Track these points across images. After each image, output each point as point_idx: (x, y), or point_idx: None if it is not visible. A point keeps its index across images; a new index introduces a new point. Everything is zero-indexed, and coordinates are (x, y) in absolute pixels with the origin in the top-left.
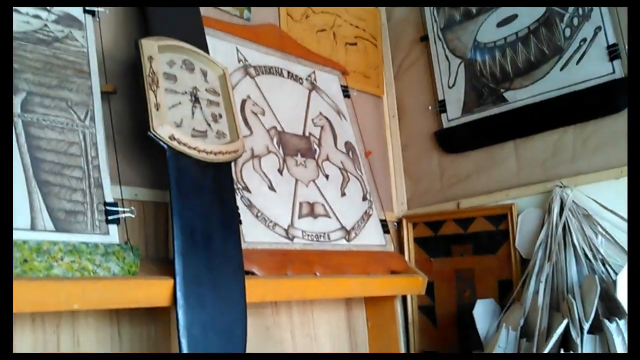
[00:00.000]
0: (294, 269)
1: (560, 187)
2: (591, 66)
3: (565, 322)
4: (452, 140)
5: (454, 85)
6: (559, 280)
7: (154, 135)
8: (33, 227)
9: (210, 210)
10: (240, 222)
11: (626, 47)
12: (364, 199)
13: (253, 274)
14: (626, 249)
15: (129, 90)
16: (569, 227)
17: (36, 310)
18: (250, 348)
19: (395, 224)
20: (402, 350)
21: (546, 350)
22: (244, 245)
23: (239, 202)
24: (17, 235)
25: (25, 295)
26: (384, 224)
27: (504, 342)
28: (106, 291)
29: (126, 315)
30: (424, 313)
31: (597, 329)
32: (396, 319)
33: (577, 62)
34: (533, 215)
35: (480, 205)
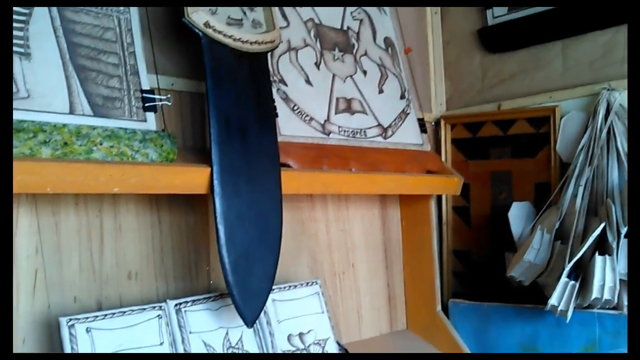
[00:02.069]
0: (330, 164)
1: (608, 89)
2: None
3: (602, 225)
4: (496, 39)
5: None
6: (598, 185)
7: (189, 21)
8: (72, 111)
9: (246, 101)
10: (276, 115)
11: None
12: (402, 97)
13: (289, 166)
14: None
15: None
16: (613, 131)
17: (78, 192)
18: (286, 239)
19: (433, 124)
20: (435, 249)
21: (580, 253)
22: (279, 139)
23: (275, 95)
24: (56, 119)
25: (66, 177)
26: (421, 123)
27: (538, 244)
28: (145, 176)
29: (165, 203)
30: (458, 214)
31: None
32: (430, 218)
33: None
34: (576, 118)
35: (522, 107)
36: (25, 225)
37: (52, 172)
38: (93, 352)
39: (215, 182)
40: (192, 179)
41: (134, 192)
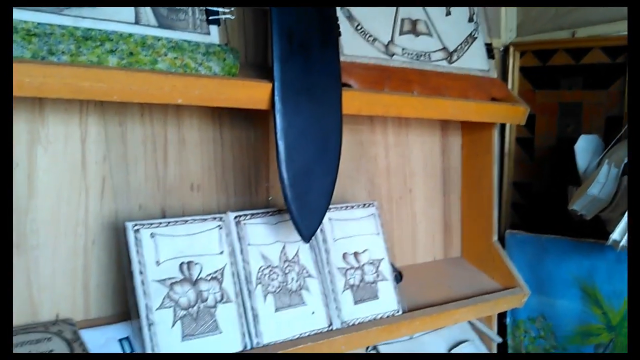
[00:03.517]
0: (392, 86)
1: None
2: None
3: None
4: None
5: None
6: None
7: None
8: (137, 22)
9: (310, 17)
10: (339, 33)
11: None
12: (470, 20)
13: (350, 86)
14: None
15: None
16: None
17: (142, 101)
18: (345, 161)
19: (501, 50)
20: (495, 180)
21: None
22: (342, 58)
23: (338, 13)
24: (122, 29)
25: (132, 86)
26: (489, 49)
27: (604, 178)
28: (208, 88)
29: (227, 119)
30: (521, 145)
31: None
32: (492, 148)
33: None
34: None
35: (598, 35)
36: (93, 133)
37: (119, 80)
38: (157, 256)
39: (276, 98)
40: (254, 93)
41: (196, 104)
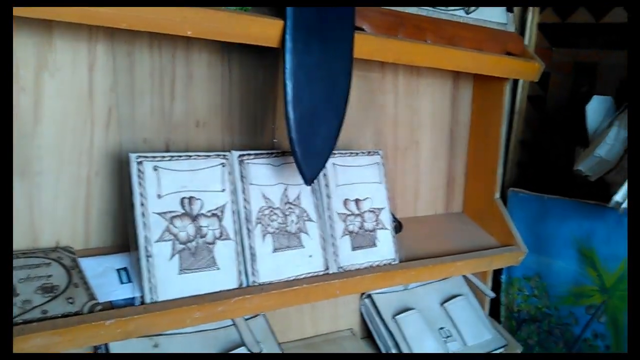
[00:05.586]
0: (405, 33)
1: None
2: None
3: None
4: None
5: None
6: None
7: None
8: None
9: None
10: None
11: None
12: None
13: (363, 30)
14: None
15: None
16: None
17: (152, 30)
18: (353, 109)
19: None
20: (502, 136)
21: None
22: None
23: None
24: None
25: (142, 14)
26: None
27: (612, 140)
28: (219, 22)
29: (237, 56)
30: (532, 103)
31: None
32: (502, 104)
33: None
34: None
35: None
36: (101, 62)
37: (129, 8)
38: (159, 189)
39: (288, 36)
40: (266, 30)
41: (206, 38)
